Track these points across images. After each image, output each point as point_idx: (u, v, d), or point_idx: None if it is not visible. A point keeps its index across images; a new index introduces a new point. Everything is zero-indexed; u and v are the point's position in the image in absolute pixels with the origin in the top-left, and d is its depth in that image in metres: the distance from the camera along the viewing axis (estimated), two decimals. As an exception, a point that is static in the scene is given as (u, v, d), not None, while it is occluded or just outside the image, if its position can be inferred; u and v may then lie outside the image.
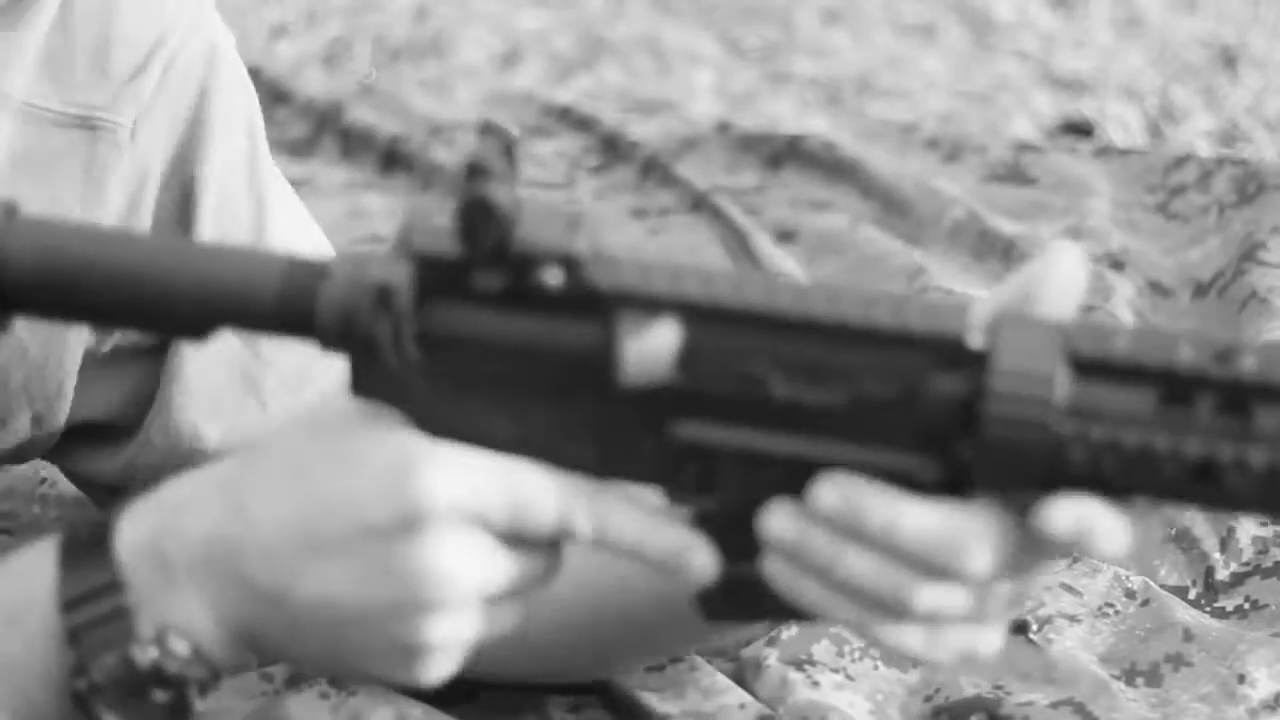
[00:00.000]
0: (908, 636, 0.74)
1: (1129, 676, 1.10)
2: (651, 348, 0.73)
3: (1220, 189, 1.95)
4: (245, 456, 0.80)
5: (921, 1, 3.79)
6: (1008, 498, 0.71)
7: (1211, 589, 1.22)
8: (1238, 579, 1.22)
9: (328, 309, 0.76)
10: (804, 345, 0.73)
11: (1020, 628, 1.13)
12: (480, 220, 0.73)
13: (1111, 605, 1.16)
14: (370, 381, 0.78)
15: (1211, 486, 0.69)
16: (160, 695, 0.78)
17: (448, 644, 0.77)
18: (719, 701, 1.05)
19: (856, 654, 1.10)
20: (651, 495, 0.78)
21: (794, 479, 0.74)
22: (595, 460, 0.77)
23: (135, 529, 0.79)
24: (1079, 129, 2.71)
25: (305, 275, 0.78)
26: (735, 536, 0.76)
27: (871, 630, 0.74)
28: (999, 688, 1.08)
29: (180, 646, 0.78)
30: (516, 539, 0.77)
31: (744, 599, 0.78)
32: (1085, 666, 1.10)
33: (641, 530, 0.76)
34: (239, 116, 1.09)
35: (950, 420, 0.71)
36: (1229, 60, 3.24)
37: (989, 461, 0.70)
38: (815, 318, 0.72)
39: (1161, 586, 1.20)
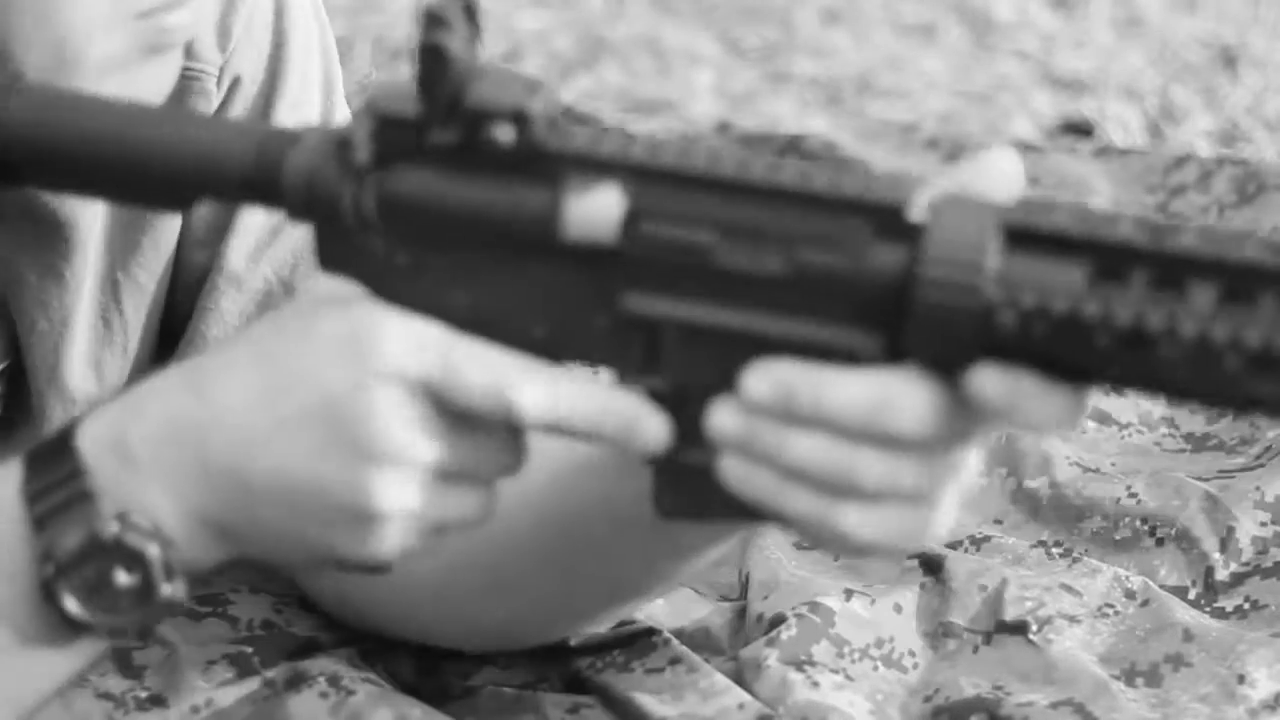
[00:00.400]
0: (861, 520, 0.74)
1: (1129, 677, 1.10)
2: (595, 207, 0.75)
3: (1220, 189, 1.95)
4: (209, 350, 0.81)
5: (921, 2, 3.79)
6: (940, 365, 0.72)
7: (1211, 589, 1.22)
8: (1237, 579, 1.22)
9: (293, 171, 0.80)
10: (747, 211, 0.74)
11: (1020, 628, 1.13)
12: (435, 70, 0.75)
13: (1111, 605, 1.16)
14: (334, 252, 0.80)
15: (1144, 357, 0.70)
16: (125, 578, 0.79)
17: (398, 512, 0.78)
18: (718, 704, 1.05)
19: (856, 655, 1.10)
20: (603, 376, 0.79)
21: (738, 356, 0.75)
22: (548, 339, 0.78)
23: (97, 422, 0.81)
24: (1079, 129, 2.71)
25: (278, 142, 0.81)
26: (683, 419, 0.77)
27: (828, 520, 0.75)
28: (999, 688, 1.08)
29: (142, 521, 0.79)
30: (473, 418, 0.78)
31: (697, 491, 0.78)
32: (1085, 667, 1.10)
33: (593, 400, 0.77)
34: (315, 50, 1.11)
35: (889, 292, 0.73)
36: (1229, 60, 3.24)
37: (921, 330, 0.72)
38: (758, 182, 0.74)
39: (1161, 587, 1.20)
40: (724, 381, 0.76)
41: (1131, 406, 1.45)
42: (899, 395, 0.72)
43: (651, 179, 0.75)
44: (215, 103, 1.05)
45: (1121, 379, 0.72)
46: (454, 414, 0.78)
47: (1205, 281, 0.69)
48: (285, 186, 0.80)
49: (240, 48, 1.05)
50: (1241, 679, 1.08)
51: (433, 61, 0.75)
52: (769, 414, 0.74)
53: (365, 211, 0.78)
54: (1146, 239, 0.70)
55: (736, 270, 0.74)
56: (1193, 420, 1.46)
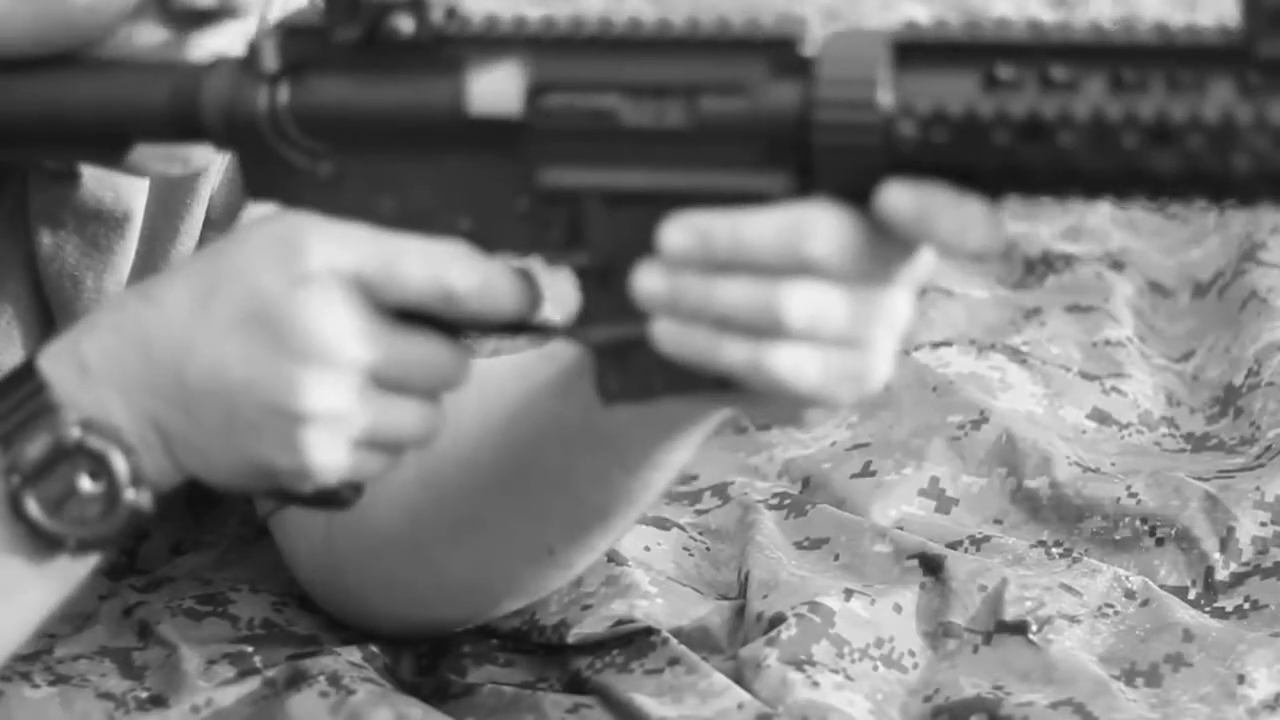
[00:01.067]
0: (794, 361, 0.75)
1: (1128, 677, 1.10)
2: (497, 79, 0.78)
3: (1220, 188, 1.94)
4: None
5: (922, 1, 3.78)
6: (852, 194, 0.74)
7: (1211, 589, 1.21)
8: (1237, 579, 1.21)
9: (210, 98, 0.82)
10: (644, 68, 0.76)
11: (1020, 628, 1.13)
12: None
13: (1111, 605, 1.16)
14: (261, 177, 0.82)
15: (1045, 149, 0.71)
16: (90, 485, 0.81)
17: (326, 412, 0.79)
18: (718, 704, 1.05)
19: (856, 655, 1.10)
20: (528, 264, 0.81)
21: (655, 219, 0.76)
22: (474, 230, 0.80)
23: (56, 344, 0.83)
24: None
25: (194, 72, 0.83)
26: (612, 294, 0.78)
27: (761, 365, 0.75)
28: (999, 688, 1.08)
29: (105, 427, 0.81)
30: (410, 320, 0.79)
31: (637, 368, 0.80)
32: (1085, 667, 1.10)
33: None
34: None
35: (791, 127, 0.74)
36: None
37: (826, 155, 0.74)
38: (651, 38, 0.76)
39: (1161, 587, 1.19)
40: (646, 248, 0.77)
41: (1132, 407, 1.44)
42: (812, 221, 0.74)
43: (549, 50, 0.77)
44: None
45: (1028, 178, 0.73)
46: (392, 316, 0.79)
47: (1096, 70, 0.71)
48: (204, 114, 0.82)
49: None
50: (1241, 679, 1.08)
51: None
52: (691, 266, 0.75)
53: (282, 121, 0.80)
54: (1033, 37, 0.72)
55: (642, 129, 0.76)
56: (1193, 420, 1.46)
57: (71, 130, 0.87)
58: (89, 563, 0.84)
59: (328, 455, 0.80)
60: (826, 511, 1.26)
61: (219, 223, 1.07)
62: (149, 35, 0.87)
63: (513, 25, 0.78)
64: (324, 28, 0.79)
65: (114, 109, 0.86)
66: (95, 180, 1.00)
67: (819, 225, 0.74)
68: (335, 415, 0.79)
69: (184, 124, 0.84)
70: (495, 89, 0.78)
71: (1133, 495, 1.27)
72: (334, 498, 0.85)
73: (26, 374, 0.82)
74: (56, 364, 0.82)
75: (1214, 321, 1.58)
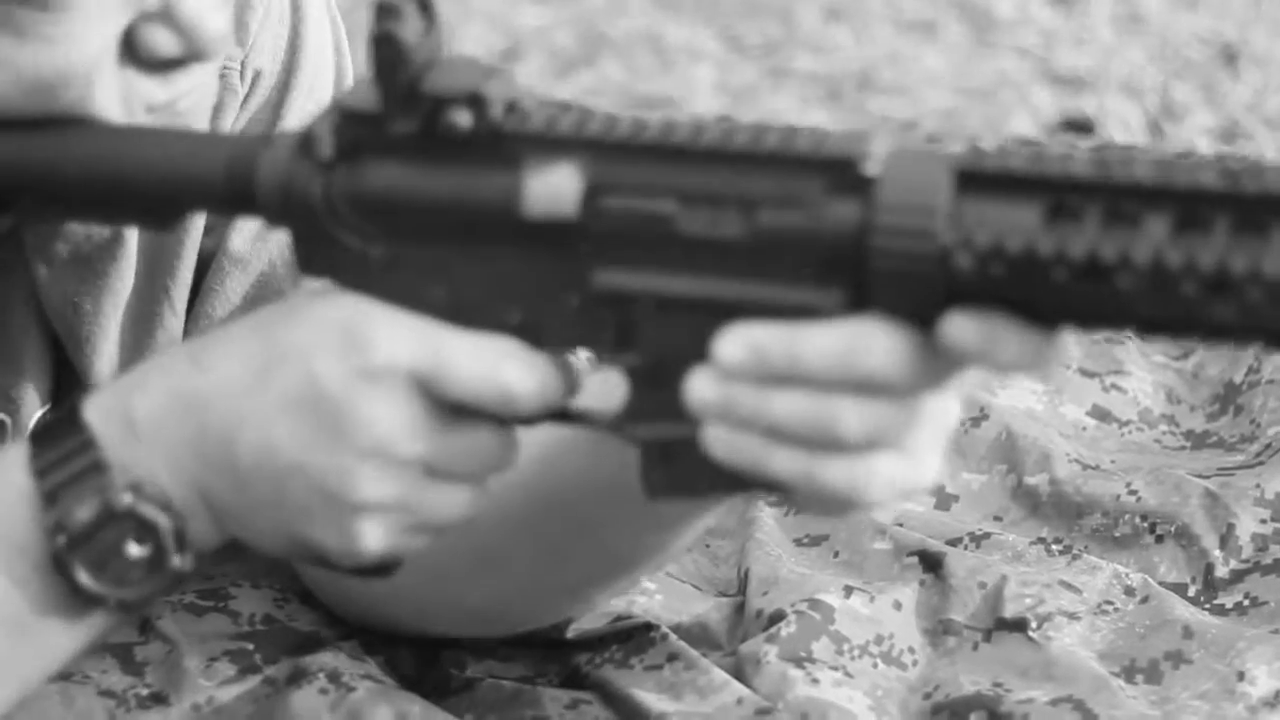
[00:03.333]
0: (845, 474, 0.75)
1: (1128, 674, 1.10)
2: (554, 182, 0.77)
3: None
4: (214, 328, 0.82)
5: (925, 0, 3.79)
6: (906, 315, 0.73)
7: (1211, 586, 1.21)
8: (1237, 576, 1.21)
9: (265, 175, 0.81)
10: (703, 177, 0.76)
11: (1019, 625, 1.13)
12: (390, 59, 0.77)
13: (1111, 602, 1.16)
14: (314, 256, 0.81)
15: (1102, 289, 0.70)
16: (136, 549, 0.80)
17: (380, 505, 0.79)
18: (717, 700, 1.05)
19: (856, 652, 1.10)
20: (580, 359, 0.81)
21: (708, 325, 0.76)
22: (523, 324, 0.80)
23: (104, 396, 0.83)
24: (1079, 126, 2.71)
25: (249, 149, 0.83)
26: (663, 395, 0.78)
27: (814, 477, 0.75)
28: (998, 685, 1.08)
29: (155, 492, 0.80)
30: (464, 414, 0.79)
31: (683, 467, 0.79)
32: (1084, 664, 1.10)
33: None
34: (328, 45, 1.11)
35: (848, 247, 0.74)
36: (1230, 57, 3.23)
37: (881, 279, 0.73)
38: (712, 148, 0.75)
39: (1161, 584, 1.20)
40: (698, 352, 0.76)
41: (1132, 404, 1.45)
42: (869, 339, 0.73)
43: (608, 153, 0.76)
44: (239, 98, 1.05)
45: (1085, 315, 0.72)
46: (445, 409, 0.79)
47: (1158, 210, 0.70)
48: (259, 192, 0.82)
49: (259, 43, 1.06)
50: (1241, 676, 1.08)
51: (386, 50, 0.76)
52: (745, 377, 0.75)
53: (336, 205, 0.80)
54: (1097, 173, 0.70)
55: (698, 237, 0.76)
56: (1193, 417, 1.46)
57: (124, 198, 0.87)
58: (118, 617, 0.84)
59: (375, 541, 0.80)
60: (826, 508, 1.26)
61: (215, 229, 1.07)
62: (121, 84, 0.86)
63: (573, 123, 0.77)
64: (380, 116, 0.78)
65: (169, 180, 0.85)
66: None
67: (876, 344, 0.73)
68: (387, 506, 0.79)
69: (237, 199, 0.83)
70: (552, 190, 0.77)
71: (1133, 492, 1.27)
72: (376, 569, 0.85)
73: (72, 425, 0.81)
74: (104, 419, 0.81)
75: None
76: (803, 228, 0.74)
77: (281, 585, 1.12)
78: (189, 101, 0.89)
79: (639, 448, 0.80)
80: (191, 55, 0.87)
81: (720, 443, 0.76)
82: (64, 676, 1.02)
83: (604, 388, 0.82)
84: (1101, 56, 3.25)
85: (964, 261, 0.71)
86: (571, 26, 3.49)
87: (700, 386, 0.76)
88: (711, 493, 0.81)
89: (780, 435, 0.75)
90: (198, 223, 1.06)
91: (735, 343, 0.75)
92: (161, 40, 0.86)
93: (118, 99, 0.86)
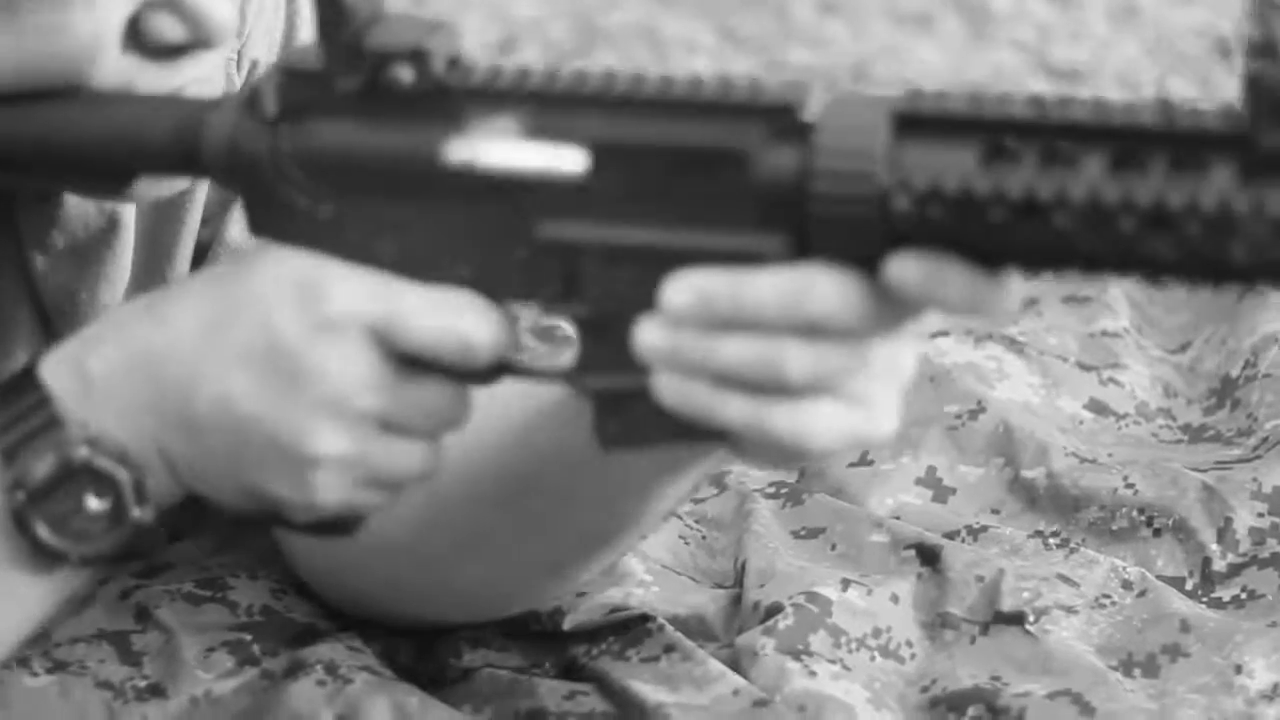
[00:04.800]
0: (795, 419, 0.75)
1: (1126, 667, 1.10)
2: (495, 132, 0.77)
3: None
4: (168, 287, 0.82)
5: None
6: (848, 260, 0.74)
7: (1208, 579, 1.21)
8: (1235, 569, 1.21)
9: (212, 135, 0.82)
10: (645, 127, 0.76)
11: (1017, 618, 1.13)
12: (333, 15, 0.78)
13: (1108, 596, 1.16)
14: (264, 217, 0.82)
15: (1040, 228, 0.70)
16: (95, 503, 0.81)
17: (335, 457, 0.79)
18: (713, 691, 1.05)
19: (853, 645, 1.10)
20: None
21: (653, 274, 0.77)
22: (473, 278, 0.80)
23: (59, 353, 0.83)
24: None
25: (197, 110, 0.84)
26: (610, 345, 0.79)
27: (761, 422, 0.75)
28: (996, 678, 1.08)
29: (111, 445, 0.81)
30: (419, 367, 0.79)
31: (635, 418, 0.80)
32: (1082, 657, 1.10)
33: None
34: None
35: (789, 192, 0.74)
36: (1225, 51, 3.23)
37: (822, 223, 0.74)
38: (654, 97, 0.76)
39: (1158, 577, 1.20)
40: (645, 301, 0.77)
41: (1129, 398, 1.44)
42: (814, 281, 0.74)
43: (549, 105, 0.77)
44: (237, 86, 1.05)
45: (1026, 255, 0.72)
46: (400, 362, 0.79)
47: (1094, 149, 0.70)
48: (206, 151, 0.83)
49: (255, 33, 1.05)
50: (1239, 669, 1.08)
51: (329, 7, 0.77)
52: (693, 323, 0.76)
53: (282, 163, 0.80)
54: (1034, 114, 0.71)
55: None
56: (1190, 411, 1.46)
57: (76, 162, 0.87)
58: (87, 572, 0.84)
59: (331, 494, 0.81)
60: (823, 501, 1.26)
61: (212, 219, 1.07)
62: (125, 69, 0.87)
63: (515, 77, 0.78)
64: (325, 73, 0.79)
65: (118, 143, 0.86)
66: (77, 196, 1.00)
67: (820, 286, 0.74)
68: (342, 459, 0.80)
69: (186, 160, 0.84)
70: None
71: (1130, 486, 1.27)
72: (336, 527, 0.85)
73: (27, 384, 0.82)
74: (59, 376, 0.82)
75: (1211, 313, 1.58)
76: (744, 175, 0.75)
77: (279, 576, 1.12)
78: (195, 90, 0.89)
79: (591, 399, 0.81)
80: (197, 42, 0.87)
81: (670, 390, 0.77)
82: (61, 667, 1.02)
83: (553, 347, 0.83)
84: (1097, 50, 3.25)
85: (902, 203, 0.72)
86: (567, 18, 3.49)
87: (649, 334, 0.77)
88: (664, 441, 0.81)
89: (728, 381, 0.76)
90: (195, 213, 1.06)
91: (682, 289, 0.76)
92: (167, 27, 0.86)
93: (119, 85, 0.86)
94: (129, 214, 1.03)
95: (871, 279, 0.74)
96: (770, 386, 0.75)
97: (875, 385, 0.77)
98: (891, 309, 0.75)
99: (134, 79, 0.87)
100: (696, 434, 0.79)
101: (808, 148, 0.74)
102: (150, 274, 1.05)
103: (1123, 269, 0.72)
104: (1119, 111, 0.71)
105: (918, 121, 0.73)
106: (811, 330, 0.74)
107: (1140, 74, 3.03)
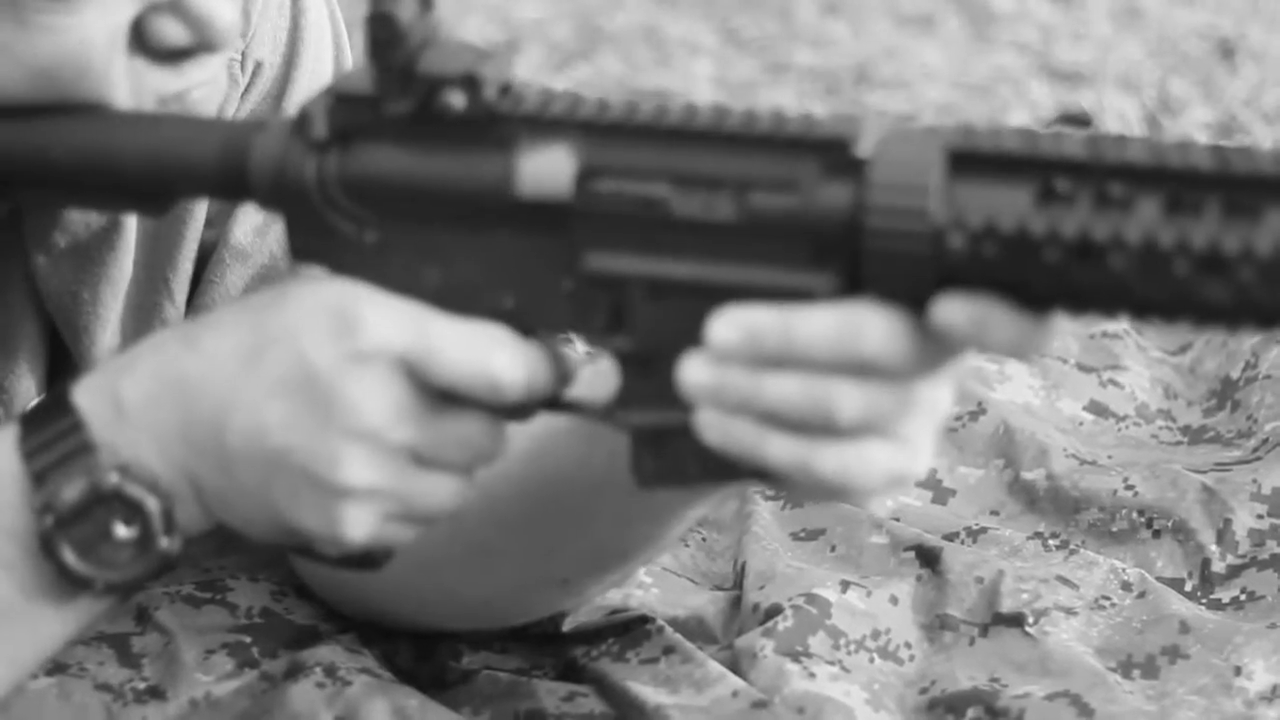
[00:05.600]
0: (840, 460, 0.75)
1: (1125, 668, 1.10)
2: (547, 163, 0.77)
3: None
4: (204, 314, 0.82)
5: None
6: (899, 297, 0.73)
7: (1208, 581, 1.22)
8: (1234, 571, 1.22)
9: (258, 159, 0.81)
10: (696, 160, 0.75)
11: (1016, 620, 1.13)
12: (385, 37, 0.77)
13: (1107, 597, 1.16)
14: (306, 241, 0.81)
15: (1094, 270, 0.70)
16: (124, 531, 0.80)
17: (365, 489, 0.79)
18: (712, 693, 1.05)
19: (852, 646, 1.10)
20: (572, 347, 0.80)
21: (701, 309, 0.76)
22: (517, 309, 0.79)
23: (93, 378, 0.82)
24: (1077, 120, 2.70)
25: (242, 133, 0.83)
26: (653, 381, 0.78)
27: (808, 463, 0.75)
28: (995, 680, 1.08)
29: (142, 473, 0.80)
30: (453, 401, 0.79)
31: (675, 454, 0.79)
32: (1081, 659, 1.10)
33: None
34: (327, 36, 1.11)
35: (841, 228, 0.74)
36: (1227, 52, 3.23)
37: (875, 260, 0.73)
38: (704, 130, 0.75)
39: (1158, 579, 1.20)
40: (690, 337, 0.76)
41: (1129, 399, 1.45)
42: (865, 321, 0.73)
43: (602, 135, 0.77)
44: (240, 89, 1.05)
45: (1077, 296, 0.72)
46: (434, 396, 0.79)
47: (1150, 191, 0.70)
48: (252, 175, 0.82)
49: (259, 34, 1.05)
50: (1238, 671, 1.08)
51: (382, 29, 0.76)
52: (739, 361, 0.75)
53: (329, 188, 0.80)
54: (1089, 154, 0.71)
55: (691, 220, 0.76)
56: (1190, 413, 1.46)
57: (118, 182, 0.87)
58: (108, 601, 0.84)
59: (361, 527, 0.80)
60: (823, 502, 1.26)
61: (216, 221, 1.07)
62: (131, 74, 0.86)
63: (566, 106, 0.77)
64: (375, 97, 0.78)
65: (161, 165, 0.85)
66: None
67: (871, 326, 0.73)
68: (373, 491, 0.79)
69: (231, 183, 0.83)
70: (545, 171, 0.77)
71: (1130, 487, 1.27)
72: (362, 561, 0.85)
73: (60, 408, 0.81)
74: (92, 401, 0.81)
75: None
76: (795, 210, 0.74)
77: (280, 578, 1.12)
78: (200, 93, 0.89)
79: (630, 435, 0.80)
80: (201, 46, 0.87)
81: (713, 428, 0.76)
82: (61, 669, 1.03)
83: (596, 378, 0.82)
84: (1099, 51, 3.25)
85: (957, 241, 0.71)
86: (569, 20, 3.49)
87: (694, 370, 0.76)
88: (702, 480, 0.80)
89: (774, 420, 0.75)
90: (198, 214, 1.06)
91: (729, 325, 0.75)
92: (171, 31, 0.86)
93: (127, 89, 0.86)
94: (130, 216, 1.03)
95: (919, 320, 0.73)
96: (818, 426, 0.74)
97: (918, 425, 0.76)
98: (937, 350, 0.74)
99: (138, 82, 0.87)
100: (737, 473, 0.78)
101: (861, 183, 0.73)
102: (151, 274, 1.05)
103: (1174, 313, 0.71)
104: (1173, 152, 0.70)
105: (972, 159, 0.72)
106: (860, 370, 0.73)
107: (1142, 75, 3.03)
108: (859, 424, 0.74)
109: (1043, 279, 0.71)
